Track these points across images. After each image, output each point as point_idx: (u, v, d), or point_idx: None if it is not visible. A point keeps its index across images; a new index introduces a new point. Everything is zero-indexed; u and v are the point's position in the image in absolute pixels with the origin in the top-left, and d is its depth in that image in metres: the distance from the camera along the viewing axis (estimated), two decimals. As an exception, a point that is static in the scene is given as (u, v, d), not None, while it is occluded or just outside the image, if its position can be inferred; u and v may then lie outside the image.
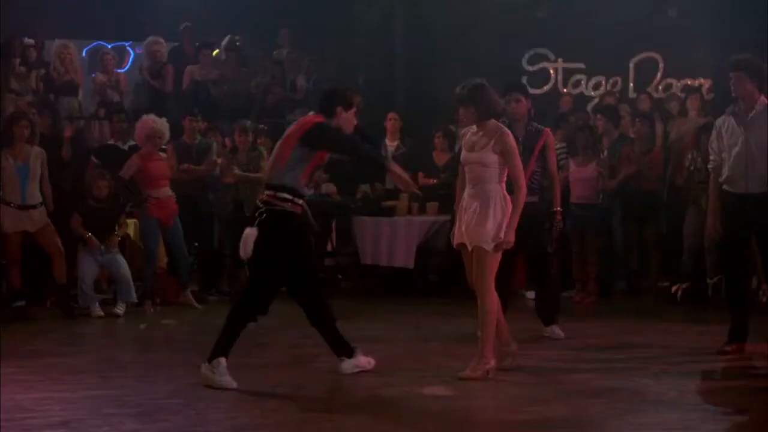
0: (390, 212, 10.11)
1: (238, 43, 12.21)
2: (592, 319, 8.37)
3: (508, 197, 5.83)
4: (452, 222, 6.55)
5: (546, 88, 12.29)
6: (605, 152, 9.67)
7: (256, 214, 5.77)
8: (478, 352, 5.88)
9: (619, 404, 5.30)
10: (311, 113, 6.04)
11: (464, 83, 5.95)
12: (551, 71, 12.36)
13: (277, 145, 5.93)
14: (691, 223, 9.18)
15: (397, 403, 5.36)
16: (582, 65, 12.25)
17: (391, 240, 9.77)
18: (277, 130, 11.31)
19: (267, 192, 5.79)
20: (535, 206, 7.05)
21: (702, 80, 11.79)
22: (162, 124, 9.19)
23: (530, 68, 12.34)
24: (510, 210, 5.80)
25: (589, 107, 11.69)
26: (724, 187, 6.60)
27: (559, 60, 12.33)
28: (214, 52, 12.28)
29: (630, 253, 9.86)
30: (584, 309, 9.07)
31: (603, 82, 12.17)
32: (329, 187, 10.35)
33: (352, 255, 10.29)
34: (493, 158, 5.82)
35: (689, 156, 9.23)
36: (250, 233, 5.74)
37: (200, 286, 9.73)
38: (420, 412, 5.17)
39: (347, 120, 5.89)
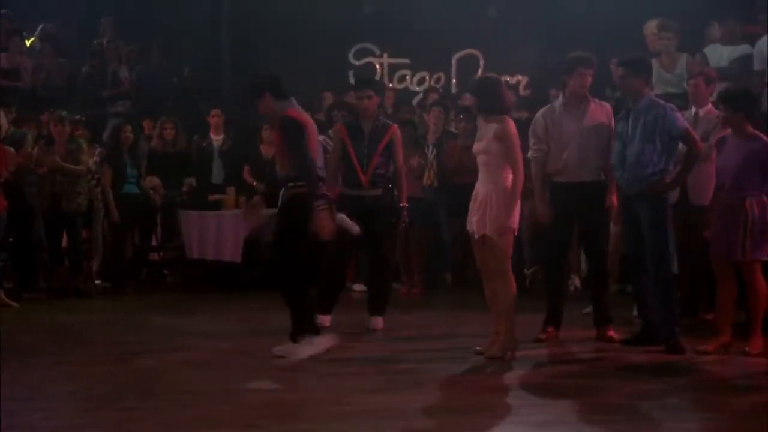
0: (217, 206, 10.00)
1: (51, 32, 11.78)
2: (418, 310, 8.53)
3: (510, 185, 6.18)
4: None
5: (373, 81, 12.43)
6: (431, 147, 9.86)
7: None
8: (501, 334, 6.22)
9: (441, 393, 5.44)
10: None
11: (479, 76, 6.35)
12: (377, 66, 12.52)
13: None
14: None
15: (223, 397, 5.31)
16: (407, 60, 12.47)
17: (218, 234, 9.67)
18: (100, 122, 11.09)
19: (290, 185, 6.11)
20: (378, 199, 7.20)
21: (520, 77, 12.23)
22: None
23: (356, 63, 12.47)
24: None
25: (414, 102, 11.93)
26: (554, 178, 6.84)
27: (385, 55, 12.50)
28: (29, 41, 11.81)
29: (455, 245, 10.11)
30: (411, 300, 9.24)
31: (427, 78, 12.43)
32: (153, 181, 10.13)
33: (178, 249, 10.13)
34: (495, 147, 6.15)
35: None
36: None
37: (16, 283, 9.34)
38: (247, 405, 5.15)
39: (266, 107, 6.15)
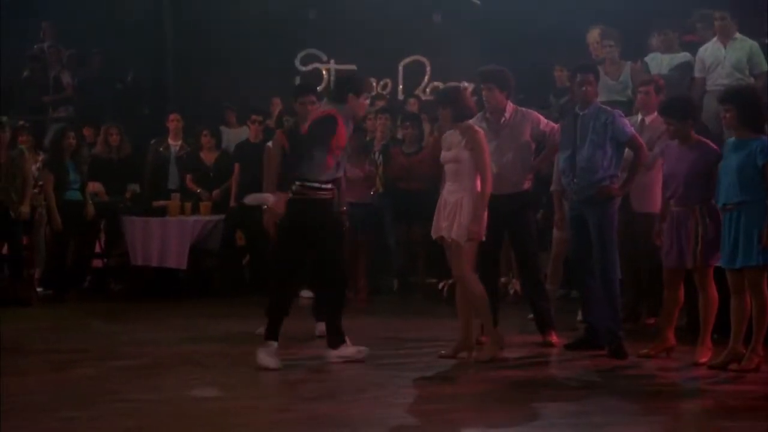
0: (161, 212, 9.89)
1: None
2: (363, 317, 8.48)
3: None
4: None
5: (319, 88, 12.39)
6: (377, 154, 9.86)
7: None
8: (489, 337, 6.46)
9: (385, 399, 5.43)
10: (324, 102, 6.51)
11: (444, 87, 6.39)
12: (324, 72, 12.49)
13: None
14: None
15: (164, 405, 5.25)
16: (354, 67, 12.44)
17: (163, 240, 9.56)
18: (40, 128, 10.90)
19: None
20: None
21: (466, 84, 12.25)
22: None
23: (303, 68, 12.43)
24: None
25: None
26: None
27: (332, 61, 12.48)
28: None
29: (401, 251, 10.11)
30: (356, 306, 9.21)
31: (374, 84, 12.42)
32: (96, 187, 10.00)
33: (122, 256, 10.00)
34: (465, 155, 6.28)
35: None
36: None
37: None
38: (190, 414, 5.10)
39: (359, 106, 6.45)
